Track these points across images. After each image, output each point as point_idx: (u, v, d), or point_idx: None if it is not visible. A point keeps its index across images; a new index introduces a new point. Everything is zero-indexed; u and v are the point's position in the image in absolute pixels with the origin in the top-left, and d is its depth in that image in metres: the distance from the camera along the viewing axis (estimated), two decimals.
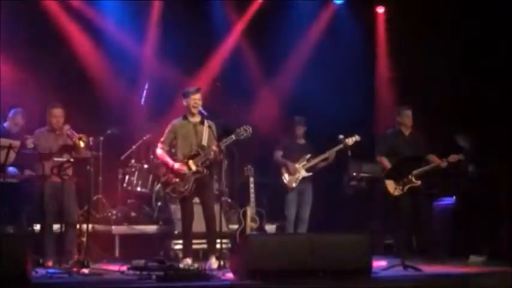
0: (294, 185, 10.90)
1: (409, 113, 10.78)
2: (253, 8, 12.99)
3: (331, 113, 12.03)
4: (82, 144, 9.44)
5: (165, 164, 9.57)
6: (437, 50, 12.26)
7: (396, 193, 10.29)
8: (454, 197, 11.32)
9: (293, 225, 10.94)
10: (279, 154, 11.05)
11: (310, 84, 12.52)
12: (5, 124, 10.14)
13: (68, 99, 10.25)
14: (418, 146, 10.65)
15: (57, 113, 9.67)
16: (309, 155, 10.93)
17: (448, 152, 10.66)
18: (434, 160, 10.61)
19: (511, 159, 10.75)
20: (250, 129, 9.43)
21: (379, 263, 9.26)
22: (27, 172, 9.83)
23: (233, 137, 9.44)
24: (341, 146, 10.76)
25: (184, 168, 9.40)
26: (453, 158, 10.56)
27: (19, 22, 11.40)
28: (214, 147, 9.38)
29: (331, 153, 10.83)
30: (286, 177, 10.92)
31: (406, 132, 10.79)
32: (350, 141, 10.76)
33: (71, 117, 9.84)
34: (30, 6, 11.54)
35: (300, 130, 11.11)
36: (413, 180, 10.38)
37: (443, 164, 10.58)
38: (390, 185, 10.36)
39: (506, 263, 9.47)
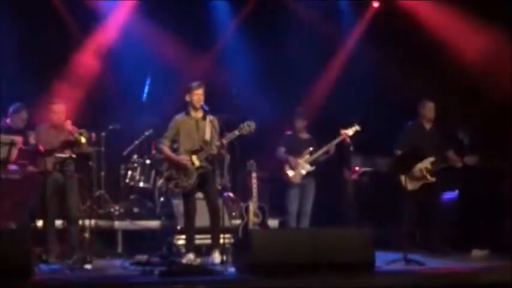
0: (299, 180, 10.90)
1: (431, 105, 10.72)
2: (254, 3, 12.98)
3: (334, 106, 12.03)
4: (83, 139, 9.44)
5: (168, 159, 9.57)
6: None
7: (410, 187, 10.26)
8: (457, 191, 11.30)
9: (295, 220, 10.94)
10: (281, 150, 11.04)
11: (314, 78, 12.53)
12: (7, 120, 10.13)
13: (70, 95, 10.25)
14: (437, 141, 10.59)
15: (58, 109, 9.67)
16: (310, 149, 10.92)
17: (449, 145, 10.66)
18: (452, 158, 10.53)
19: None
20: (254, 124, 9.43)
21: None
22: (30, 168, 9.83)
23: (236, 132, 9.44)
24: (340, 137, 10.73)
25: (188, 162, 9.40)
26: (469, 160, 10.47)
27: (20, 16, 11.38)
28: (217, 143, 9.38)
29: (330, 146, 10.82)
30: (290, 173, 10.91)
31: (427, 126, 10.73)
32: (350, 131, 10.71)
33: (73, 112, 9.84)
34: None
35: (300, 123, 11.09)
36: (428, 177, 10.35)
37: (459, 164, 10.52)
38: (405, 179, 10.33)
39: (509, 257, 9.47)
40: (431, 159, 10.49)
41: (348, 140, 10.71)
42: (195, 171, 9.42)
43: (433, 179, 10.43)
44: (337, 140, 10.78)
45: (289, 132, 11.20)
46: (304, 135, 11.16)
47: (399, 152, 10.51)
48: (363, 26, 13.09)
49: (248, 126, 9.43)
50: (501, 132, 11.13)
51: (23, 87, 10.98)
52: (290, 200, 10.97)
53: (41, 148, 9.50)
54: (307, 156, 10.91)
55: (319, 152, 10.88)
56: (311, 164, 10.91)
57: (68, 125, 9.53)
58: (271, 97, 12.33)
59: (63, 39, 11.75)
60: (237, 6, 12.97)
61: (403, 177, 10.29)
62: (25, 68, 11.26)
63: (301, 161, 10.91)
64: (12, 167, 9.59)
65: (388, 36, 12.51)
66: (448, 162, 10.57)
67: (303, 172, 10.91)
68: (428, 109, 10.73)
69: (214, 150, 9.44)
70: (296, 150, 10.99)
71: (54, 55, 11.50)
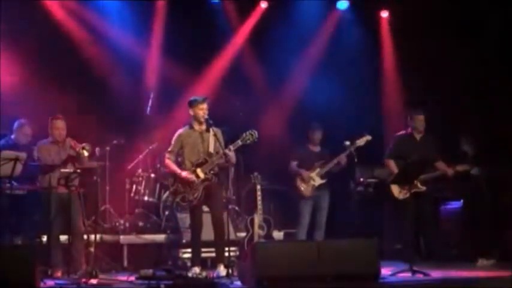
0: (310, 193, 10.90)
1: (421, 117, 10.74)
2: (257, 12, 13.00)
3: (339, 118, 12.06)
4: (86, 153, 9.44)
5: (173, 173, 9.57)
6: (443, 53, 12.28)
7: (401, 197, 10.29)
8: (462, 201, 11.30)
9: (306, 231, 10.93)
10: (293, 164, 11.03)
11: (318, 90, 12.55)
12: (13, 136, 10.15)
13: (74, 110, 10.28)
14: (428, 151, 10.62)
15: (60, 125, 9.65)
16: (321, 162, 10.91)
17: (452, 155, 10.66)
18: (441, 167, 10.60)
19: None
20: (256, 133, 9.41)
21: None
22: (34, 183, 9.84)
23: (239, 142, 9.43)
24: (352, 148, 10.67)
25: (193, 176, 9.40)
26: (461, 167, 10.55)
27: (22, 29, 11.39)
28: (225, 151, 9.35)
29: (341, 158, 10.79)
30: (302, 187, 10.91)
31: (418, 136, 10.77)
32: (361, 142, 10.66)
33: (77, 127, 9.85)
34: (33, 12, 11.54)
35: (316, 136, 11.08)
36: (419, 185, 10.36)
37: (450, 172, 10.58)
38: (395, 188, 10.37)
39: None
40: None
41: (352, 150, 10.65)
42: (200, 184, 9.41)
43: (424, 188, 10.44)
44: (347, 151, 10.74)
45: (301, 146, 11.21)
46: (316, 148, 11.15)
47: (391, 162, 10.56)
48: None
49: (251, 136, 9.41)
50: (504, 141, 11.12)
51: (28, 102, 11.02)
52: (302, 212, 10.95)
53: (42, 164, 9.52)
54: (318, 169, 10.91)
55: (330, 165, 10.86)
56: (322, 177, 10.91)
57: (70, 141, 9.53)
58: (275, 109, 12.36)
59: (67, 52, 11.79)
60: (240, 21, 13.01)
61: (393, 187, 10.32)
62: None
63: (312, 174, 10.90)
64: (17, 182, 9.60)
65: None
66: (439, 171, 10.60)
67: (315, 185, 10.90)
68: (418, 121, 10.76)
69: (221, 159, 9.42)
70: (308, 163, 10.97)
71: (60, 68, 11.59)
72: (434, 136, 10.81)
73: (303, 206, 10.96)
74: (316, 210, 10.99)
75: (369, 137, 10.68)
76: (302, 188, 10.90)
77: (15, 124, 10.15)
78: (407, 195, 10.11)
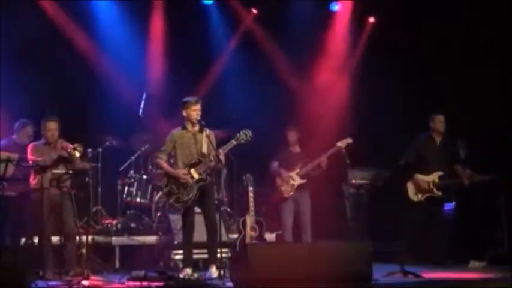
0: (290, 193, 10.91)
1: (441, 117, 10.73)
2: (250, 17, 13.03)
3: (330, 121, 12.08)
4: (77, 154, 9.41)
5: (167, 174, 9.54)
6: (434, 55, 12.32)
7: (415, 199, 10.27)
8: (454, 203, 11.31)
9: (291, 233, 10.93)
10: (274, 165, 11.05)
11: (312, 91, 12.60)
12: (14, 136, 10.12)
13: (66, 111, 10.26)
14: (448, 154, 10.60)
15: (52, 126, 9.61)
16: (301, 162, 10.92)
17: (458, 160, 10.69)
18: (460, 172, 10.54)
19: (511, 164, 10.75)
20: (250, 133, 9.41)
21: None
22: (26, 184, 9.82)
23: (233, 142, 9.42)
24: (333, 150, 10.71)
25: (187, 178, 9.38)
26: (478, 177, 10.49)
27: (16, 30, 11.37)
28: (217, 153, 9.33)
29: (322, 160, 10.81)
30: (281, 187, 10.93)
31: (438, 139, 10.75)
32: (342, 143, 10.69)
33: (69, 129, 9.83)
34: (27, 13, 11.51)
35: (293, 137, 11.10)
36: (435, 191, 10.36)
37: (467, 182, 10.51)
38: (411, 190, 10.35)
39: (506, 268, 9.48)
40: (440, 173, 10.50)
41: (343, 151, 10.66)
42: (195, 184, 9.38)
43: (440, 193, 10.43)
44: (328, 153, 10.76)
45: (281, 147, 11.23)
46: (296, 149, 11.16)
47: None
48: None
49: (245, 135, 9.41)
50: (496, 144, 11.15)
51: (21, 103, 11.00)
52: (284, 214, 10.96)
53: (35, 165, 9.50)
54: (298, 169, 10.92)
55: (310, 165, 10.88)
56: (302, 177, 10.92)
57: (62, 142, 9.51)
58: (268, 111, 12.36)
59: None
60: (233, 27, 13.04)
61: (410, 188, 10.30)
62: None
63: (292, 174, 10.92)
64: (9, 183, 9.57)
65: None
66: (457, 177, 10.55)
67: (294, 184, 10.91)
68: (438, 122, 10.73)
69: (212, 162, 9.41)
70: (288, 164, 11.00)
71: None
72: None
73: (284, 208, 10.98)
74: (298, 213, 10.99)
75: (349, 140, 10.69)
76: (282, 188, 10.92)
77: (17, 124, 10.13)
78: (422, 198, 10.12)
